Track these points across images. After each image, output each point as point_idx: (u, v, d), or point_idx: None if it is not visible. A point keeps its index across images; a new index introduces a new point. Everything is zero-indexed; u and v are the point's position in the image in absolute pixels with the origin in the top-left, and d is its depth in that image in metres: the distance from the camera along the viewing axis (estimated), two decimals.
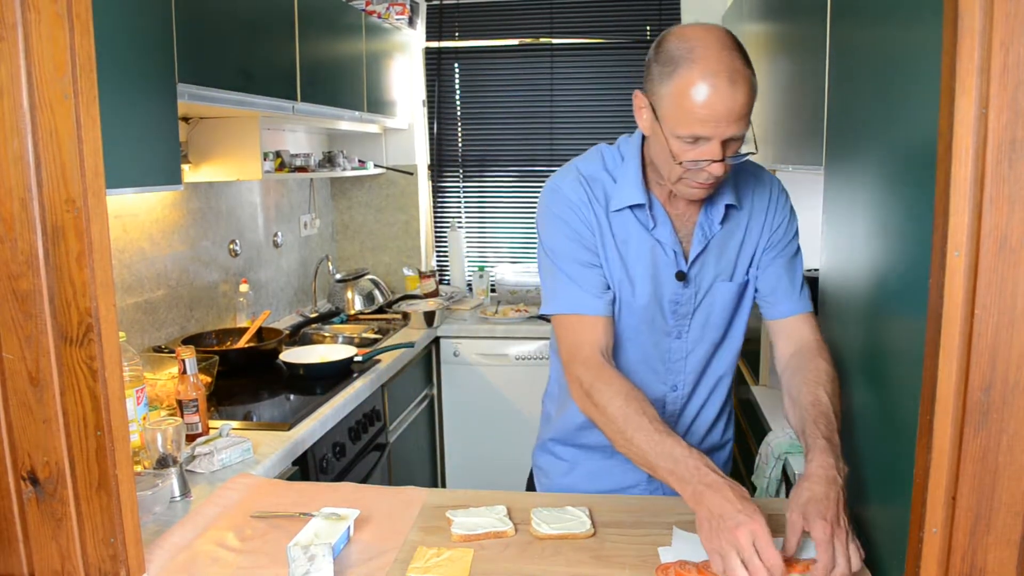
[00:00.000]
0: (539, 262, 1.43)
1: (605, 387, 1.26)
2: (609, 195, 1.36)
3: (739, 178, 1.39)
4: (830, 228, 1.40)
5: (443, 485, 3.29)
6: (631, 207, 1.35)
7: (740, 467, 2.62)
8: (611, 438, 1.25)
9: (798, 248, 1.44)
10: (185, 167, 2.39)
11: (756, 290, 1.43)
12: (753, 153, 1.29)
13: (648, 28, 3.46)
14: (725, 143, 1.19)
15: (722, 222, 1.36)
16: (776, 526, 1.24)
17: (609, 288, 1.36)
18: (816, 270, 1.52)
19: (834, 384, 1.29)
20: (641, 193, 1.33)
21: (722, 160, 1.20)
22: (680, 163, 1.22)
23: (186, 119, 2.42)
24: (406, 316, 3.13)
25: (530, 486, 1.64)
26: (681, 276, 1.36)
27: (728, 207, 1.36)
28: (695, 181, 1.24)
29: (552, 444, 1.56)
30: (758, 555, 1.02)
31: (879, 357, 1.12)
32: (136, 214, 2.28)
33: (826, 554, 1.03)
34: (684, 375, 1.44)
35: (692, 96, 1.16)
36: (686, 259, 1.37)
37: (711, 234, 1.36)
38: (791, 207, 1.44)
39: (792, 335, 1.40)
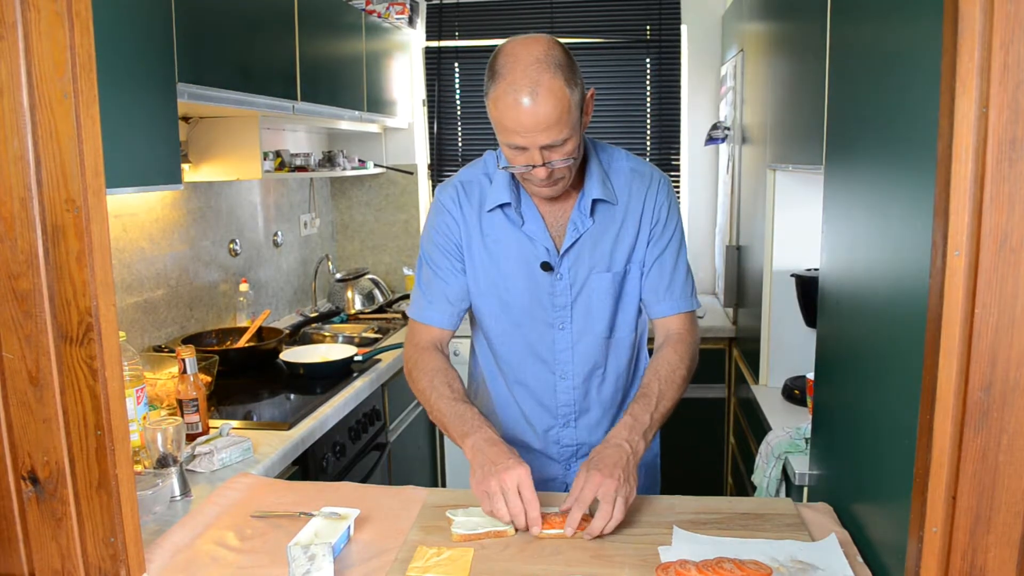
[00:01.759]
0: None
1: (422, 366, 1.44)
2: (484, 196, 1.47)
3: (613, 174, 1.48)
4: (830, 228, 1.40)
5: (443, 485, 3.29)
6: (501, 206, 1.45)
7: (740, 466, 2.63)
8: (425, 407, 1.42)
9: (680, 245, 1.51)
10: (185, 167, 2.39)
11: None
12: (575, 159, 1.33)
13: (648, 28, 3.46)
14: (546, 148, 1.28)
15: (593, 215, 1.44)
16: (776, 525, 1.24)
17: (459, 299, 1.50)
18: (816, 270, 1.52)
19: (674, 373, 1.41)
20: (508, 193, 1.43)
21: (543, 165, 1.29)
22: (506, 168, 1.35)
23: (186, 118, 2.42)
24: (406, 316, 3.12)
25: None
26: (546, 267, 1.45)
27: (598, 202, 1.44)
28: (532, 183, 1.36)
29: None
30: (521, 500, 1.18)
31: (879, 357, 1.12)
32: (136, 213, 2.28)
33: (586, 496, 1.19)
34: (572, 366, 1.51)
35: (503, 109, 1.26)
36: (558, 252, 1.45)
37: (583, 228, 1.45)
38: (672, 201, 1.50)
39: (663, 329, 1.50)
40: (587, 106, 1.33)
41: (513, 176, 1.43)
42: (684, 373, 1.42)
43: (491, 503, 1.19)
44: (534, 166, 1.29)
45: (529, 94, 1.23)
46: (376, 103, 3.22)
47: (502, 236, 1.46)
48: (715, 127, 3.08)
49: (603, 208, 1.45)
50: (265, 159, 2.63)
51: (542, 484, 1.52)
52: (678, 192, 3.56)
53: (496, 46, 1.30)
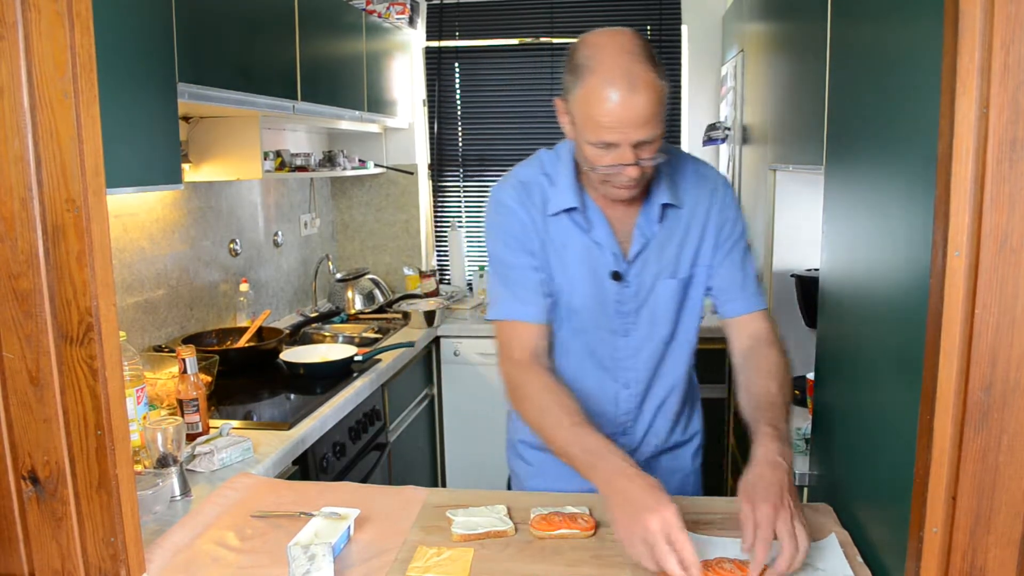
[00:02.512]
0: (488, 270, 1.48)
1: (528, 383, 1.31)
2: (547, 198, 1.39)
3: (678, 177, 1.41)
4: (830, 228, 1.40)
5: (443, 485, 3.29)
6: (566, 211, 1.38)
7: (740, 466, 2.62)
8: (534, 430, 1.30)
9: (748, 246, 1.46)
10: (185, 166, 2.39)
11: (710, 289, 1.45)
12: (662, 157, 1.27)
13: (648, 28, 3.46)
14: (637, 146, 1.21)
15: (661, 221, 1.39)
16: None
17: (547, 295, 1.39)
18: (816, 270, 1.52)
19: (785, 375, 1.35)
20: (574, 197, 1.36)
21: (635, 164, 1.22)
22: (594, 169, 1.26)
23: (186, 118, 2.42)
24: (406, 315, 3.13)
25: (508, 488, 1.66)
26: (617, 276, 1.39)
27: (665, 206, 1.38)
28: (616, 183, 1.28)
29: (522, 447, 1.58)
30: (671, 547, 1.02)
31: (879, 357, 1.12)
32: (136, 213, 2.28)
33: (767, 534, 1.04)
34: (636, 372, 1.45)
35: (595, 104, 1.19)
36: (626, 259, 1.39)
37: (650, 234, 1.39)
38: (737, 205, 1.46)
39: (746, 330, 1.43)
40: None
41: (577, 178, 1.37)
42: (789, 377, 1.37)
43: (635, 554, 1.06)
44: (625, 165, 1.22)
45: (627, 88, 1.16)
46: (376, 103, 3.22)
47: (568, 241, 1.39)
48: (713, 127, 3.07)
49: (669, 213, 1.39)
50: (265, 159, 2.63)
51: (587, 493, 1.47)
52: None
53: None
